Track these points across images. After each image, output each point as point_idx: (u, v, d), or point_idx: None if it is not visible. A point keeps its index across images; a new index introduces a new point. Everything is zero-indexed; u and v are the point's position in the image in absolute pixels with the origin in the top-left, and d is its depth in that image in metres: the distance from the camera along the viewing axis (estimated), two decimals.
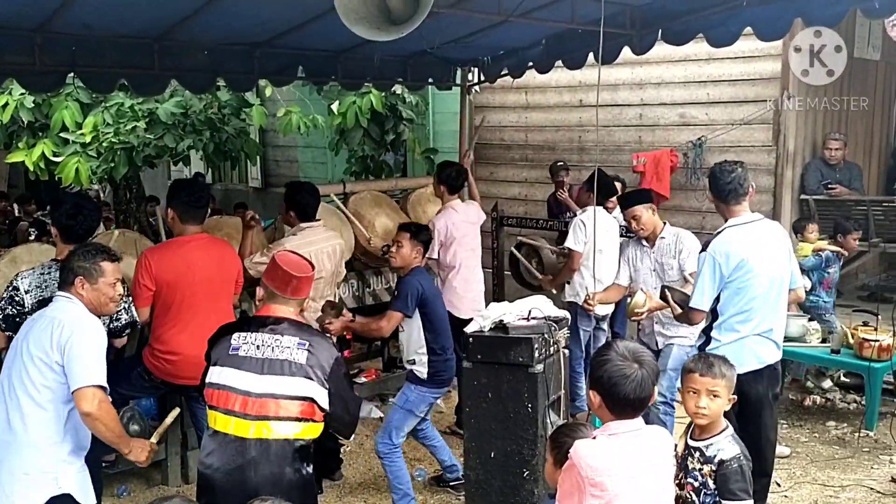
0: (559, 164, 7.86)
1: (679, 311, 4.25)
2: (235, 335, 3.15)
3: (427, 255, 5.72)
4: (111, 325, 4.13)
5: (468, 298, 5.84)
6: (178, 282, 4.37)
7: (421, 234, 4.80)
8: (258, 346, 3.10)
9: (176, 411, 3.71)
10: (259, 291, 3.30)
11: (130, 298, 4.24)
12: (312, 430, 3.16)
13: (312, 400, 3.10)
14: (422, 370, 4.65)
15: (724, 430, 3.13)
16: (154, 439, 3.51)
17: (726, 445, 3.05)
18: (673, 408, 4.96)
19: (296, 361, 3.10)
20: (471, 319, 4.95)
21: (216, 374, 3.13)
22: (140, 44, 5.67)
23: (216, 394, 3.12)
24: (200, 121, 8.76)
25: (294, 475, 3.10)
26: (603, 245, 5.77)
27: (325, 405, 3.13)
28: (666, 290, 4.69)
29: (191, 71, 6.18)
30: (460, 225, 5.85)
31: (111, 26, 5.25)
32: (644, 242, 5.13)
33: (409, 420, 4.70)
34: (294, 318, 3.24)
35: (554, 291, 6.34)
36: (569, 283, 6.04)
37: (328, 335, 4.44)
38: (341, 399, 3.21)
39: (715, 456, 3.04)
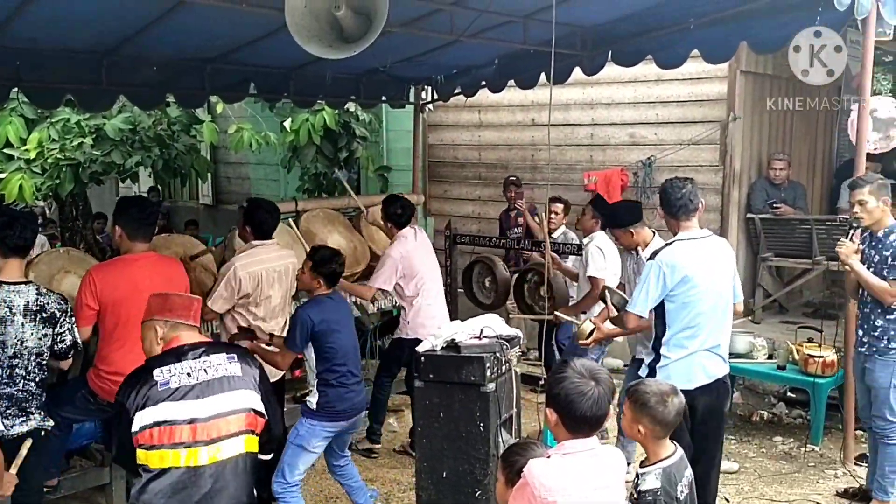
0: (510, 178, 7.90)
1: (615, 313, 4.31)
2: (156, 371, 2.95)
3: (380, 287, 5.72)
4: (55, 348, 4.01)
5: (433, 325, 5.65)
6: (125, 301, 4.27)
7: (325, 265, 4.44)
8: (189, 374, 2.97)
9: (29, 441, 3.56)
10: (158, 331, 3.11)
11: (73, 319, 4.13)
12: (255, 443, 3.10)
13: (254, 410, 3.06)
14: (312, 401, 4.41)
15: (661, 460, 2.99)
16: (12, 470, 3.38)
17: (650, 478, 2.93)
18: None
19: (234, 375, 3.05)
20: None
21: (151, 415, 2.90)
22: (87, 58, 5.57)
23: (157, 432, 2.89)
24: (149, 137, 8.61)
25: (251, 499, 3.05)
26: (617, 270, 5.67)
27: (264, 411, 3.10)
28: (606, 291, 4.75)
29: (140, 86, 6.09)
30: (415, 253, 5.73)
31: (58, 41, 5.16)
32: (634, 253, 5.17)
33: (301, 456, 4.39)
34: (206, 339, 3.18)
35: (566, 318, 5.70)
36: (584, 312, 5.76)
37: None
38: (272, 406, 3.17)
39: (638, 485, 2.96)
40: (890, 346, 4.66)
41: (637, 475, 3.00)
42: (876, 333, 4.70)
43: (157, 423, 2.90)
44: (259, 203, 5.21)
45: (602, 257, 5.67)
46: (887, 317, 4.66)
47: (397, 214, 5.80)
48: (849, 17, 4.53)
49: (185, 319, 3.11)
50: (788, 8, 4.99)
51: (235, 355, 3.11)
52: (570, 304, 6.00)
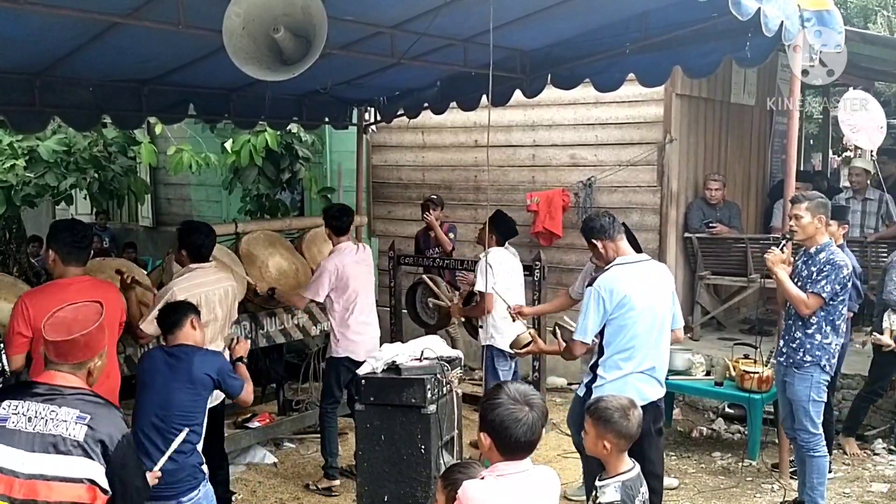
0: (432, 197, 7.81)
1: (564, 346, 4.37)
2: (6, 402, 2.71)
3: (312, 297, 5.66)
4: None
5: (364, 342, 5.69)
6: None
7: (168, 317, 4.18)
8: (30, 419, 2.68)
9: None
10: (43, 352, 2.87)
11: (2, 346, 4.00)
12: None
13: (93, 482, 2.68)
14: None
15: (621, 472, 3.09)
16: None
17: (610, 491, 3.04)
18: None
19: (71, 437, 2.67)
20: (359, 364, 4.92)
21: None
22: (19, 79, 5.45)
23: None
24: (85, 159, 8.46)
25: None
26: (511, 283, 5.84)
27: (107, 487, 2.71)
28: (556, 327, 4.81)
29: (74, 108, 5.97)
30: (352, 267, 5.70)
31: None
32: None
33: None
34: (77, 385, 2.81)
35: (456, 320, 6.47)
36: (481, 326, 5.96)
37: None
38: (122, 484, 2.77)
39: (598, 498, 3.05)
40: (805, 359, 4.81)
41: (596, 488, 3.06)
42: (794, 345, 4.86)
43: None
44: (194, 226, 5.08)
45: (492, 272, 5.67)
46: (805, 330, 4.82)
47: (334, 217, 5.75)
48: (777, 43, 4.68)
49: (54, 357, 2.81)
50: (718, 34, 5.13)
51: (89, 417, 2.72)
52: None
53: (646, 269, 4.25)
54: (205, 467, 3.96)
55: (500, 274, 5.78)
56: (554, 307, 5.89)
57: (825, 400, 4.91)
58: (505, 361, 5.92)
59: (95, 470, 2.69)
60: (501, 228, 6.01)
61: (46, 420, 2.69)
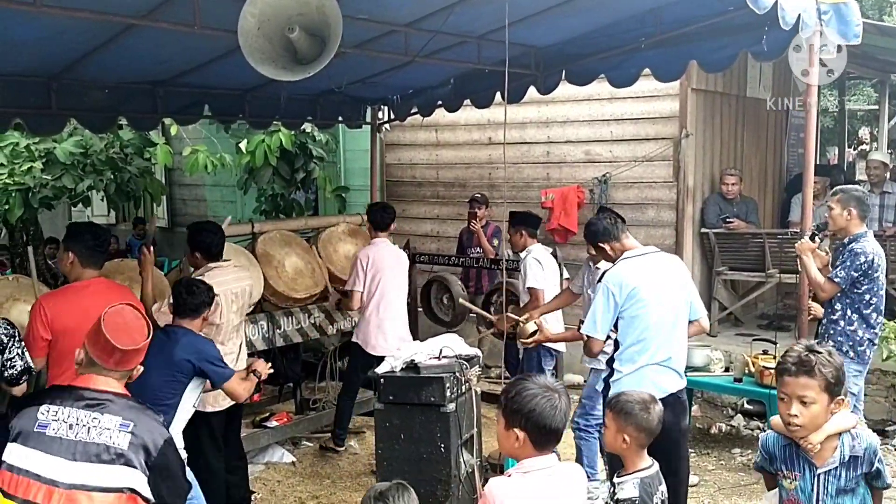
0: (475, 196, 7.88)
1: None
2: (44, 408, 2.66)
3: (354, 288, 5.75)
4: (6, 374, 3.90)
5: (386, 335, 5.78)
6: (76, 329, 4.15)
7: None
8: (71, 426, 2.63)
9: None
10: (79, 354, 2.79)
11: (23, 344, 4.02)
12: None
13: (134, 491, 2.63)
14: None
15: (640, 469, 3.08)
16: None
17: (628, 487, 3.02)
18: (589, 432, 5.12)
19: (115, 447, 2.63)
20: (378, 358, 4.97)
21: (17, 455, 2.61)
22: (36, 82, 5.49)
23: (14, 480, 2.59)
24: (101, 160, 8.50)
25: None
26: (556, 280, 5.83)
27: (150, 495, 2.67)
28: (580, 323, 4.79)
29: (90, 110, 6.01)
30: (387, 258, 5.85)
31: (2, 66, 5.08)
32: (593, 266, 5.25)
33: None
34: (119, 390, 2.76)
35: (501, 331, 6.17)
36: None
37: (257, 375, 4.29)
38: (167, 487, 2.73)
39: (615, 494, 3.04)
40: (828, 344, 4.85)
41: (613, 484, 3.05)
42: (821, 332, 5.05)
43: (18, 470, 2.62)
44: (200, 226, 5.10)
45: (540, 268, 5.67)
46: (831, 317, 5.03)
47: (377, 212, 5.99)
48: (793, 36, 4.64)
49: (103, 363, 2.74)
50: (735, 28, 5.09)
51: (132, 424, 2.68)
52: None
53: (655, 261, 4.21)
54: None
55: (549, 270, 5.75)
56: (558, 304, 5.80)
57: (855, 392, 4.96)
58: (551, 360, 5.81)
59: (138, 479, 2.65)
60: (530, 222, 5.93)
61: (89, 428, 2.64)
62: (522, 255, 5.86)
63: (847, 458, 2.79)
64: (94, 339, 2.75)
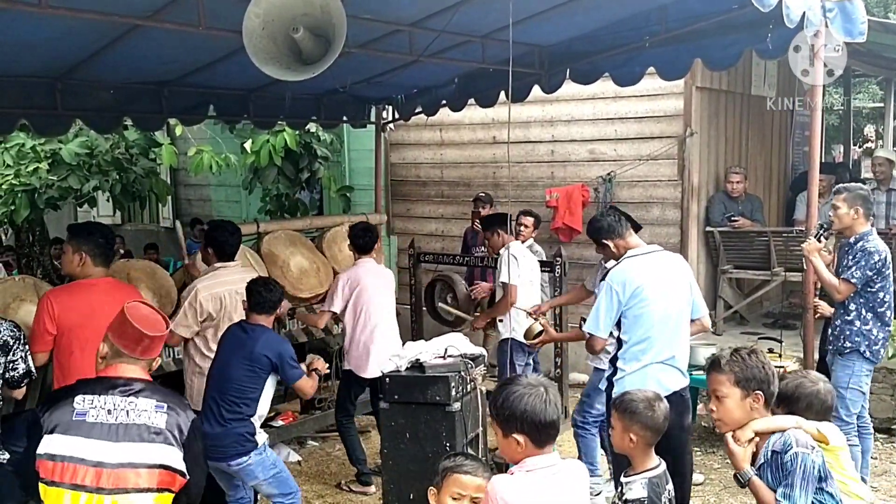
0: (480, 195, 7.90)
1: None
2: (79, 398, 2.79)
3: (331, 309, 5.64)
4: (7, 376, 3.92)
5: (379, 357, 5.42)
6: (82, 326, 4.19)
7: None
8: (109, 411, 2.77)
9: None
10: (102, 347, 2.93)
11: (27, 347, 4.04)
12: (169, 502, 2.82)
13: (172, 468, 2.80)
14: None
15: (648, 469, 3.08)
16: None
17: (637, 487, 3.02)
18: (587, 429, 5.12)
19: (154, 426, 2.80)
20: (372, 379, 5.15)
21: (58, 444, 2.72)
22: (41, 83, 5.51)
23: (58, 467, 2.69)
24: (107, 161, 8.53)
25: None
26: (532, 277, 5.88)
27: (185, 471, 2.83)
28: (582, 321, 4.79)
29: (96, 110, 6.03)
30: (368, 280, 5.58)
31: (8, 67, 5.09)
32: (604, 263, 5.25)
33: None
34: (146, 377, 2.93)
35: (477, 329, 6.41)
36: (501, 320, 5.87)
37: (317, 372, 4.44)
38: (196, 465, 2.91)
39: (623, 494, 3.03)
40: (845, 345, 4.92)
41: (621, 484, 3.05)
42: (836, 332, 4.98)
43: (62, 458, 2.72)
44: (220, 224, 5.17)
45: (515, 264, 5.65)
46: (845, 317, 4.94)
47: (357, 236, 5.73)
48: (798, 34, 4.63)
49: (130, 352, 2.89)
50: (739, 26, 5.08)
51: (166, 405, 2.85)
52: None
53: (658, 259, 4.20)
54: (259, 437, 4.24)
55: (524, 266, 5.80)
56: (569, 299, 5.89)
57: (865, 391, 4.94)
58: (523, 356, 5.84)
59: (175, 456, 2.81)
60: (500, 220, 6.02)
61: (128, 411, 2.79)
62: (501, 251, 5.89)
63: (770, 457, 2.85)
64: (121, 331, 2.90)
